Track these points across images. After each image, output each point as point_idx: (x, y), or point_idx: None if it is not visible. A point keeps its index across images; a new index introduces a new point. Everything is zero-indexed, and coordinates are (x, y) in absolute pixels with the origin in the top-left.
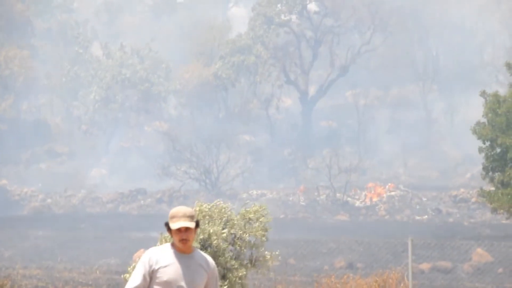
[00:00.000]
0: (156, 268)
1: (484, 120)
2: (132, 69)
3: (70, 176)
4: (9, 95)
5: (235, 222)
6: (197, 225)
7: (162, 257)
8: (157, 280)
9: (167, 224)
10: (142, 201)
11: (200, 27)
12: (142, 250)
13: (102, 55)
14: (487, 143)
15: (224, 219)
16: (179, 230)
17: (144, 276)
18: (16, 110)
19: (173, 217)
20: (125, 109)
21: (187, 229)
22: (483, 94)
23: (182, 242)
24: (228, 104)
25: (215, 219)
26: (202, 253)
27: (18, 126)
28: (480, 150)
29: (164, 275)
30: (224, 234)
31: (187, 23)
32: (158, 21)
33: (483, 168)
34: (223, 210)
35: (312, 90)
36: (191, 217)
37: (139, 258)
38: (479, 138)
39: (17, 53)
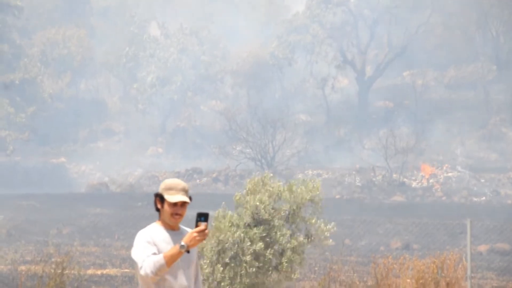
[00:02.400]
0: (156, 248)
1: None
2: (190, 49)
3: (127, 155)
4: (66, 74)
5: (286, 196)
6: (190, 199)
7: (158, 237)
8: None
9: (158, 195)
10: (198, 180)
11: (257, 6)
12: None
13: (160, 35)
14: None
15: (274, 195)
16: (175, 204)
17: (153, 249)
18: (74, 89)
19: (170, 189)
20: (182, 88)
21: (183, 204)
22: None
23: (175, 216)
24: (285, 83)
25: (263, 192)
26: (187, 228)
27: (76, 104)
28: None
29: None
30: (270, 205)
31: (244, 2)
32: (215, 0)
33: None
34: (267, 183)
35: (368, 70)
36: (187, 192)
37: (135, 240)
38: None
39: (75, 32)
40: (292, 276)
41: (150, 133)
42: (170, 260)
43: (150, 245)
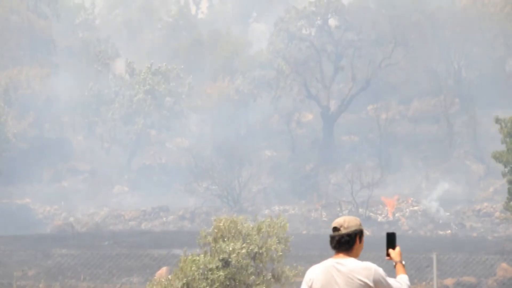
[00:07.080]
0: None
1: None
2: (155, 87)
3: (93, 194)
4: (29, 114)
5: (253, 237)
6: None
7: None
8: None
9: (359, 232)
10: (164, 218)
11: (221, 43)
12: (165, 268)
13: (125, 73)
14: (508, 168)
15: (243, 234)
16: None
17: None
18: (39, 128)
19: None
20: (147, 126)
21: None
22: (497, 120)
23: None
24: (249, 119)
25: (233, 236)
26: None
27: (40, 144)
28: (504, 174)
29: None
30: (244, 251)
31: (208, 39)
32: (179, 37)
33: (508, 192)
34: (239, 225)
35: (333, 105)
36: None
37: (379, 275)
38: (498, 162)
39: (38, 72)
40: None
41: (115, 171)
42: None
43: None
